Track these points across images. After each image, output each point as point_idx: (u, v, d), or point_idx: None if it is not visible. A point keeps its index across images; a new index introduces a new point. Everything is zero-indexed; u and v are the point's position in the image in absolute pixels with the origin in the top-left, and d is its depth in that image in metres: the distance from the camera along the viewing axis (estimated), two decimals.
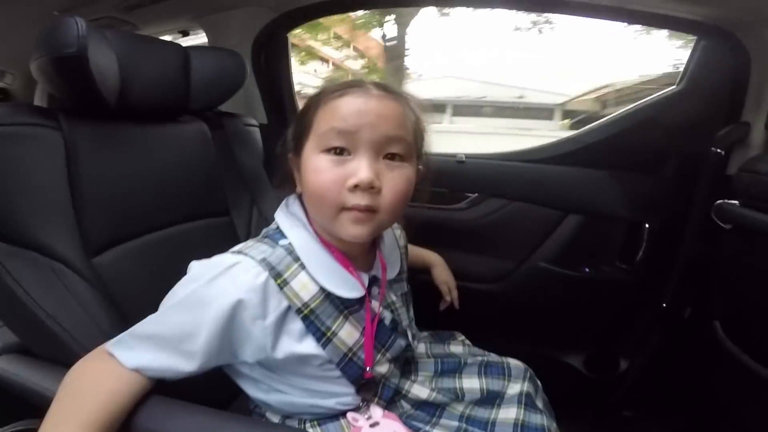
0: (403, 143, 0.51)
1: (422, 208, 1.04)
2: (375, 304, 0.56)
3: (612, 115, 1.07)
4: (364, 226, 0.50)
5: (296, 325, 0.51)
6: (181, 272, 0.52)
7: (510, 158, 1.13)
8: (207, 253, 0.53)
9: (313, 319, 0.51)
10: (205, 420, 0.48)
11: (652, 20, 0.96)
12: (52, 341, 0.53)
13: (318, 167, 0.50)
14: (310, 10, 1.13)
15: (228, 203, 0.81)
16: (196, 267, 0.51)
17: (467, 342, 0.76)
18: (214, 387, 0.54)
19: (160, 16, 1.22)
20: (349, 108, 0.49)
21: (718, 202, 0.81)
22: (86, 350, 0.50)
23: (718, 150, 0.91)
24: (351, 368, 0.53)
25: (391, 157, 0.51)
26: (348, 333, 0.53)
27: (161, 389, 0.50)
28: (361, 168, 0.48)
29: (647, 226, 1.02)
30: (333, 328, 0.52)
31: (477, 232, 1.04)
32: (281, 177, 0.59)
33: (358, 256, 0.57)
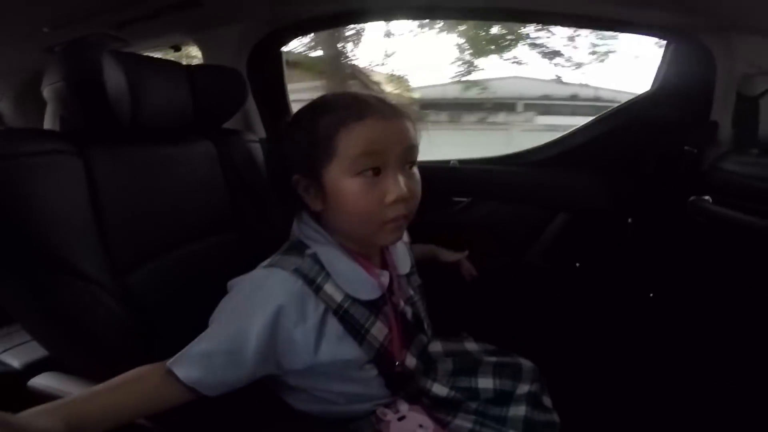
0: (416, 151, 0.57)
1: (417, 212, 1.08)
2: (393, 303, 0.61)
3: (591, 119, 1.14)
4: (400, 231, 0.57)
5: (334, 325, 0.55)
6: (202, 284, 0.57)
7: (500, 162, 1.19)
8: (223, 266, 0.57)
9: (348, 318, 0.56)
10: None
11: (622, 26, 1.02)
12: (91, 358, 0.56)
13: (356, 190, 0.53)
14: (302, 25, 1.17)
15: (236, 218, 0.84)
16: (234, 284, 0.56)
17: (471, 339, 0.80)
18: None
19: (152, 32, 1.23)
20: (375, 131, 0.53)
21: (692, 198, 0.86)
22: (121, 363, 0.51)
23: (691, 148, 0.97)
24: (383, 364, 0.58)
25: (410, 165, 0.57)
26: (378, 329, 0.58)
27: None
28: (397, 184, 0.53)
29: (630, 220, 1.08)
30: (366, 325, 0.57)
31: (471, 234, 1.09)
32: (287, 195, 0.59)
33: (374, 257, 0.63)
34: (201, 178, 0.80)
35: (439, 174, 1.16)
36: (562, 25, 1.06)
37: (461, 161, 1.17)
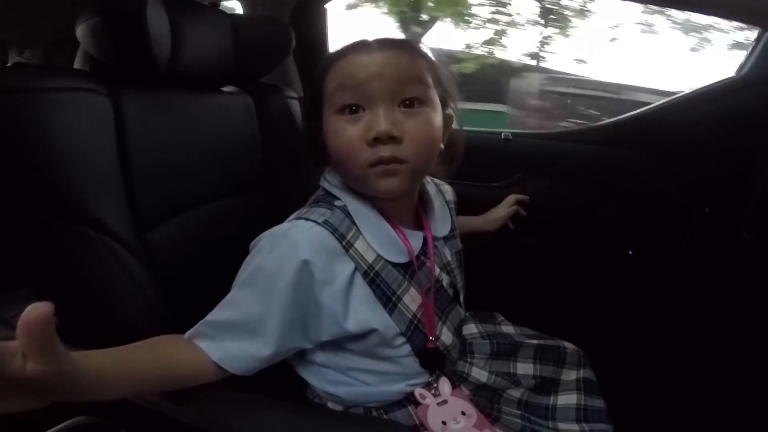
0: (417, 86, 0.48)
1: (465, 185, 1.01)
2: (428, 268, 0.54)
3: (665, 100, 1.03)
4: (393, 178, 0.47)
5: (363, 289, 0.49)
6: (228, 248, 0.51)
7: (557, 138, 1.10)
8: (250, 227, 0.51)
9: (379, 282, 0.50)
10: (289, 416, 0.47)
11: (719, 10, 0.91)
12: (103, 326, 0.50)
13: (336, 129, 0.48)
14: None
15: (268, 177, 0.78)
16: (255, 243, 0.50)
17: (507, 322, 0.74)
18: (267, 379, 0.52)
19: None
20: (353, 64, 0.48)
21: None
22: (138, 331, 0.47)
23: None
24: (416, 337, 0.52)
25: (409, 103, 0.48)
26: (411, 297, 0.52)
27: None
28: (376, 120, 0.46)
29: (695, 210, 0.99)
30: (398, 292, 0.51)
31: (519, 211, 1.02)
32: (315, 153, 0.55)
33: (405, 216, 0.55)
34: (236, 132, 0.74)
35: (489, 145, 1.09)
36: (659, 5, 0.96)
37: (514, 133, 1.09)
